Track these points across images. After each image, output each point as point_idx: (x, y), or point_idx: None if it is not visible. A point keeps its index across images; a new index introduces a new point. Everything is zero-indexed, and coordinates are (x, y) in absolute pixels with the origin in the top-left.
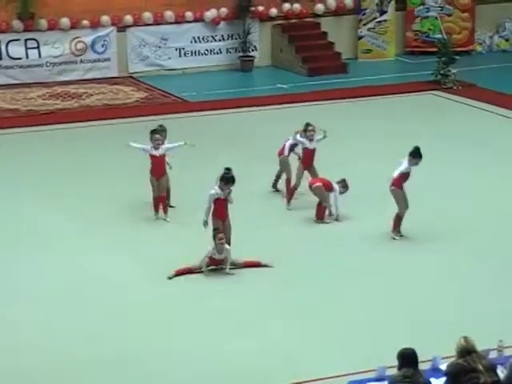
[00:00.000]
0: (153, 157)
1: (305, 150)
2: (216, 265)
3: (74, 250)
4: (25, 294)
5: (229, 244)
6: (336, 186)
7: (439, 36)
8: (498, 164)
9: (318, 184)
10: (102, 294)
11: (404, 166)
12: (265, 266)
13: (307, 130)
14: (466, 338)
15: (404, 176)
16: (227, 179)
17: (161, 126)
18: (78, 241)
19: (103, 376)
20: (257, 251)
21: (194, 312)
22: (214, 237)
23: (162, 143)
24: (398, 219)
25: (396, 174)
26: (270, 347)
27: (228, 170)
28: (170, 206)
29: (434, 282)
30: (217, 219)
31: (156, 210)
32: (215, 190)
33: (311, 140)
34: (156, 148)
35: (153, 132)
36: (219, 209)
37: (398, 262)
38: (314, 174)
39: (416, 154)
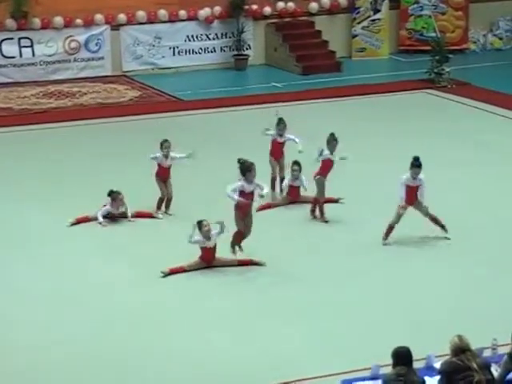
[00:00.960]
0: (109, 213)
1: (274, 141)
2: (210, 256)
3: (71, 250)
4: (22, 295)
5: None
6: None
7: (433, 34)
8: (493, 163)
9: (320, 177)
10: (100, 294)
11: (402, 179)
12: (256, 263)
13: (279, 128)
14: (460, 337)
15: (407, 189)
16: (247, 168)
17: (166, 140)
18: (76, 242)
19: (101, 376)
20: (254, 250)
21: (192, 312)
22: (200, 228)
23: (167, 156)
24: (389, 228)
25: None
26: (265, 346)
27: (240, 160)
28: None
29: (428, 281)
30: (239, 212)
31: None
32: (240, 186)
33: (281, 135)
34: (117, 208)
35: (112, 193)
36: (241, 208)
37: (394, 262)
38: (282, 166)
39: (412, 164)
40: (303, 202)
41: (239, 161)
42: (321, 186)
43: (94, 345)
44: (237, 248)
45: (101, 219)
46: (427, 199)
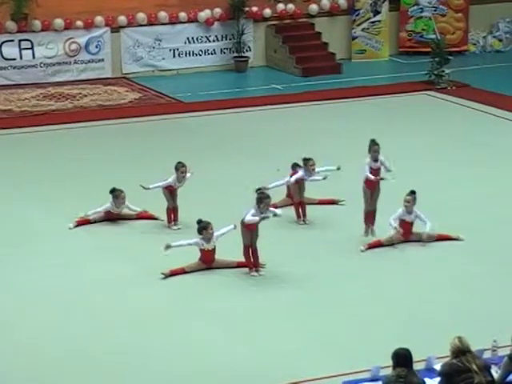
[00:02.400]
0: (109, 212)
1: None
2: (209, 258)
3: (72, 251)
4: (22, 294)
5: (256, 249)
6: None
7: (433, 36)
8: (492, 164)
9: (365, 187)
10: (99, 294)
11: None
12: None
13: (307, 164)
14: (460, 338)
15: (402, 223)
16: (259, 199)
17: (183, 165)
18: (76, 242)
19: (101, 374)
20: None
21: (190, 312)
22: (200, 230)
23: (181, 181)
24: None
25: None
26: (264, 347)
27: (259, 189)
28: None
29: (428, 281)
30: (246, 230)
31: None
32: (252, 214)
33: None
34: (118, 207)
35: (115, 191)
36: (249, 226)
37: (391, 261)
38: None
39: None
40: (307, 203)
41: (257, 190)
42: (365, 196)
43: (93, 344)
44: (254, 270)
45: (92, 213)
46: (425, 199)
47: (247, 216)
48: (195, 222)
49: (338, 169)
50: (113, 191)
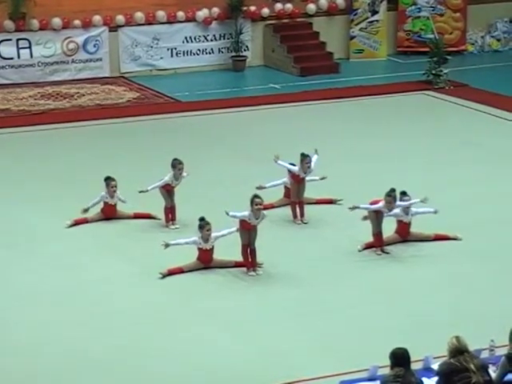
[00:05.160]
0: (106, 204)
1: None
2: (207, 258)
3: (70, 250)
4: (20, 294)
5: (254, 247)
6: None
7: (431, 36)
8: (490, 163)
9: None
10: (98, 294)
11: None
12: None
13: (303, 161)
14: (457, 338)
15: (400, 224)
16: (251, 201)
17: (180, 162)
18: (74, 241)
19: (99, 375)
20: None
21: (188, 312)
22: (201, 227)
23: (178, 178)
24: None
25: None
26: (262, 347)
27: (256, 195)
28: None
29: (425, 282)
30: (244, 230)
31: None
32: (247, 214)
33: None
34: (112, 196)
35: (108, 179)
36: (245, 226)
37: (392, 262)
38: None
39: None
40: (305, 203)
41: (255, 194)
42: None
43: (93, 344)
44: (251, 270)
45: (91, 204)
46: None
47: (236, 213)
48: (193, 221)
49: (322, 178)
50: (106, 179)
